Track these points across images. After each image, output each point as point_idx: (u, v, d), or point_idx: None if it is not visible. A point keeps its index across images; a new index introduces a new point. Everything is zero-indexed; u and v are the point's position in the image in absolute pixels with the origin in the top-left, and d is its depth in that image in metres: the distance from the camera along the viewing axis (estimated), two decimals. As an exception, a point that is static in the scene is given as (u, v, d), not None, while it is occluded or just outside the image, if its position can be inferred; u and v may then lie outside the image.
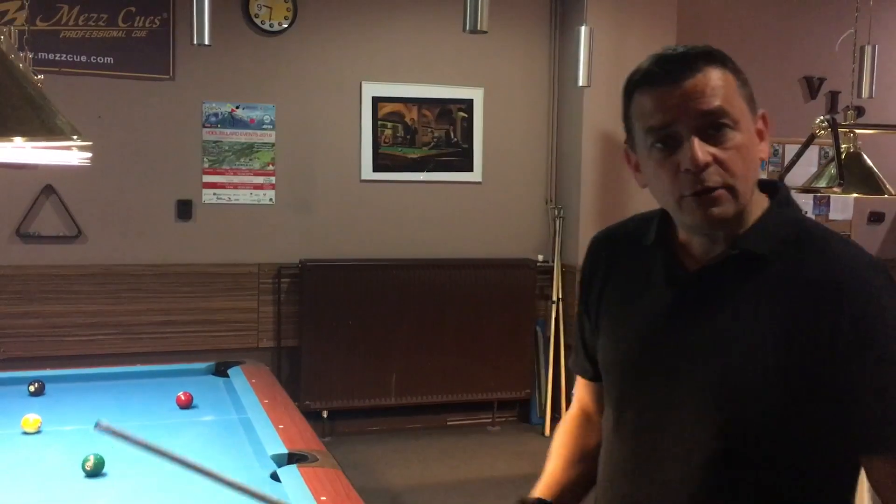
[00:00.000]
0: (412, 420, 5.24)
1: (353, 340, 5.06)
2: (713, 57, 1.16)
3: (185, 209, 4.95)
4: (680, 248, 1.23)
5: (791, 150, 5.86)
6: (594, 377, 1.39)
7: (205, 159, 4.98)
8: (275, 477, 2.08)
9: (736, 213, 1.15)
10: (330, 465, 2.15)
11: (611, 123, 5.30)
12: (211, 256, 5.01)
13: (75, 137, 1.30)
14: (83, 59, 4.63)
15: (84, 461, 2.09)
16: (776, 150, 6.13)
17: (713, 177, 1.12)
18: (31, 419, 2.43)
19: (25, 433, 2.41)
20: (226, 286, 5.04)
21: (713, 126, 1.12)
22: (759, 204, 1.20)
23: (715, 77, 1.14)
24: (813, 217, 6.19)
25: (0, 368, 3.46)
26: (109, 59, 4.69)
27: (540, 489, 1.39)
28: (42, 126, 1.26)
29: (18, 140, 1.25)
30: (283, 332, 5.11)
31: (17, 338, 4.63)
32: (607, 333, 1.31)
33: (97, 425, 1.10)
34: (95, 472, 2.09)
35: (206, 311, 5.01)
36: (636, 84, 1.17)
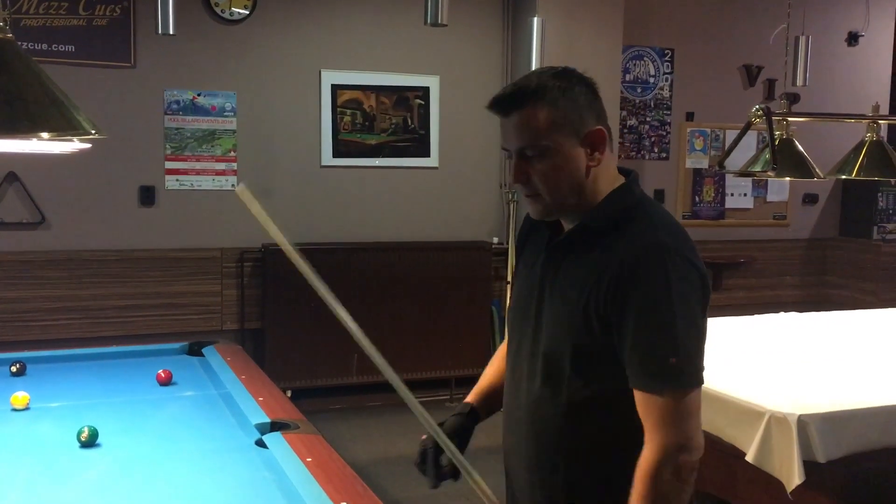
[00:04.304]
0: (373, 398, 5.41)
1: (315, 322, 5.19)
2: (538, 95, 1.48)
3: (147, 195, 5.03)
4: (559, 222, 1.60)
5: (731, 135, 6.17)
6: None
7: (167, 146, 5.06)
8: (261, 443, 2.25)
9: (546, 213, 1.55)
10: (311, 431, 2.32)
11: (562, 110, 5.52)
12: (174, 241, 5.10)
13: (94, 132, 1.44)
14: (44, 47, 4.66)
15: (79, 433, 2.22)
16: (717, 135, 6.43)
17: (524, 189, 1.53)
18: (20, 396, 2.54)
19: (14, 410, 2.53)
20: (189, 270, 5.14)
21: (528, 151, 1.49)
22: (610, 188, 1.55)
23: (531, 115, 1.48)
24: (752, 198, 6.53)
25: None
26: (71, 48, 4.74)
27: (470, 396, 1.77)
28: (65, 122, 1.41)
29: (44, 134, 1.40)
30: (246, 314, 5.23)
31: (-18, 323, 4.68)
32: (516, 282, 1.71)
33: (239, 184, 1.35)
34: (90, 442, 2.22)
35: (170, 295, 5.11)
36: (489, 107, 1.53)
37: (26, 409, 2.54)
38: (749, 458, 2.71)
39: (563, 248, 1.55)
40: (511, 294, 1.76)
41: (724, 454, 2.92)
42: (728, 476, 3.06)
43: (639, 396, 1.43)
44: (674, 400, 1.40)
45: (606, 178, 1.54)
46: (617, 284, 1.43)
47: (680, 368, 1.41)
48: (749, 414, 2.74)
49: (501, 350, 1.79)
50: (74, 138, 1.62)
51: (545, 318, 1.54)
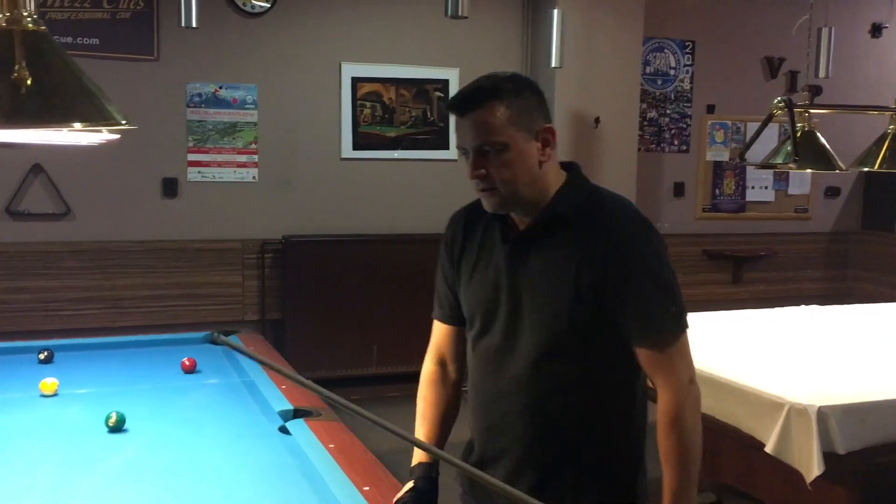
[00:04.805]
0: (392, 388, 5.44)
1: (334, 312, 5.24)
2: (494, 95, 1.59)
3: (170, 187, 5.09)
4: (508, 217, 1.69)
5: (752, 128, 6.14)
6: (453, 322, 1.81)
7: (189, 138, 5.11)
8: (284, 430, 2.28)
9: (502, 205, 1.64)
10: (333, 419, 2.36)
11: (582, 104, 5.52)
12: (196, 233, 5.16)
13: (125, 122, 1.47)
14: (69, 40, 4.72)
15: (107, 418, 2.27)
16: (738, 128, 6.40)
17: (482, 183, 1.62)
18: (49, 382, 2.60)
19: (44, 396, 2.58)
20: (211, 261, 5.20)
21: (486, 148, 1.59)
22: (558, 180, 1.68)
23: (490, 113, 1.58)
24: (773, 191, 6.50)
25: (1, 340, 3.60)
26: (95, 41, 4.80)
27: (420, 455, 1.74)
28: (97, 113, 1.43)
29: (77, 125, 1.43)
30: (267, 305, 5.29)
31: (10, 312, 4.76)
32: (468, 283, 1.74)
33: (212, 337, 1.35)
34: (117, 427, 2.27)
35: (191, 286, 5.17)
36: (447, 108, 1.70)
37: (55, 395, 2.60)
38: (768, 449, 2.71)
39: (528, 238, 1.66)
40: (462, 290, 1.75)
41: (744, 445, 2.93)
42: (747, 467, 3.07)
43: (646, 352, 1.60)
44: (679, 341, 1.62)
45: (554, 171, 1.68)
46: (612, 258, 1.58)
47: (679, 315, 1.62)
48: (769, 405, 2.75)
49: (430, 389, 1.81)
50: (105, 128, 1.65)
51: (526, 303, 1.64)
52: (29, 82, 1.33)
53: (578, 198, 1.66)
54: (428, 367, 1.84)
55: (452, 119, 1.66)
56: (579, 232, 1.62)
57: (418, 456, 1.74)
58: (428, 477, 1.72)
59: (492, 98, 1.59)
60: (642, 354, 1.61)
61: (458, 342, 1.81)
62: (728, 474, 3.34)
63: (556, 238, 1.64)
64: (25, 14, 1.41)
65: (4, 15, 1.40)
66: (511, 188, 1.61)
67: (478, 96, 1.60)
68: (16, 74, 1.33)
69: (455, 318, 1.81)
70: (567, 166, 1.73)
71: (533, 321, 1.63)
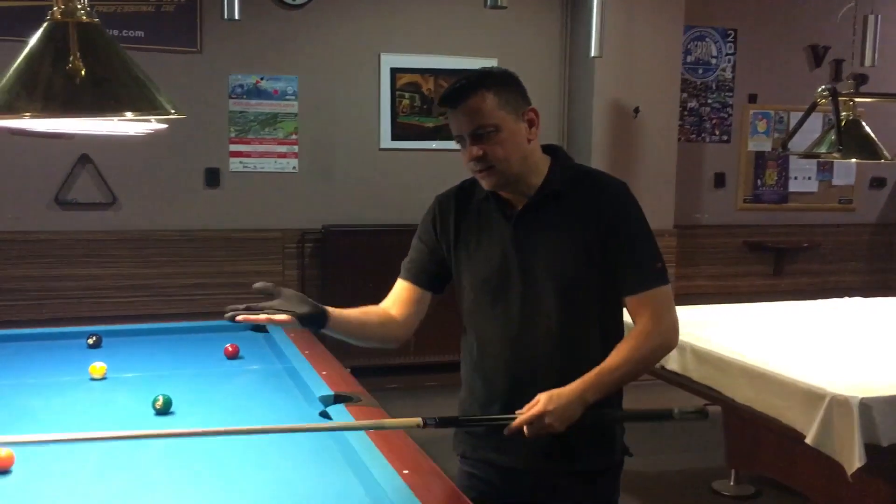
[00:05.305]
0: (429, 378, 5.49)
1: (373, 302, 5.27)
2: (482, 83, 1.80)
3: (213, 177, 5.17)
4: (501, 198, 1.92)
5: (796, 118, 6.04)
6: (423, 285, 2.04)
7: (231, 129, 5.19)
8: (324, 415, 2.32)
9: (499, 182, 1.85)
10: (373, 404, 2.39)
11: (621, 94, 5.48)
12: (238, 222, 5.24)
13: (174, 112, 1.52)
14: (115, 33, 4.82)
15: (154, 401, 2.33)
16: (781, 118, 6.31)
17: (481, 164, 1.83)
18: (98, 366, 2.67)
19: (93, 379, 2.65)
20: (252, 251, 5.28)
21: (480, 131, 1.80)
22: (544, 162, 1.91)
23: (479, 101, 1.79)
24: (816, 182, 6.41)
25: (52, 325, 3.70)
26: (140, 33, 4.90)
27: (329, 307, 1.95)
28: (148, 102, 1.48)
29: (129, 114, 1.48)
30: (306, 294, 5.31)
31: (58, 299, 4.90)
32: (470, 260, 1.95)
33: None
34: (164, 410, 2.32)
35: (233, 275, 5.25)
36: (440, 103, 1.89)
37: (104, 378, 2.66)
38: (809, 440, 2.69)
39: (530, 213, 1.89)
40: (465, 263, 1.96)
41: (783, 437, 2.91)
42: (787, 459, 3.05)
43: (637, 298, 1.86)
44: (663, 293, 1.88)
45: (538, 150, 1.91)
46: (608, 222, 1.84)
47: (662, 269, 1.89)
48: (810, 396, 2.72)
49: (375, 307, 2.08)
50: (154, 118, 1.70)
51: (539, 271, 1.87)
52: (83, 73, 1.38)
53: (568, 174, 1.91)
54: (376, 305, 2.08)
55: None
56: (575, 203, 1.87)
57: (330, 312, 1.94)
58: (309, 308, 1.90)
59: (480, 88, 1.80)
60: (632, 302, 1.87)
61: (414, 301, 2.04)
62: (767, 466, 3.32)
63: (555, 211, 1.87)
64: (79, 7, 1.46)
65: (59, 8, 1.46)
66: (506, 165, 1.82)
67: (468, 88, 1.80)
68: (70, 65, 1.38)
69: (421, 280, 2.04)
70: (551, 149, 1.96)
71: (549, 286, 1.86)
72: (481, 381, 1.98)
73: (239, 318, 1.83)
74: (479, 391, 1.99)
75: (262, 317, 1.84)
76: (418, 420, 1.83)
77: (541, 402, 1.78)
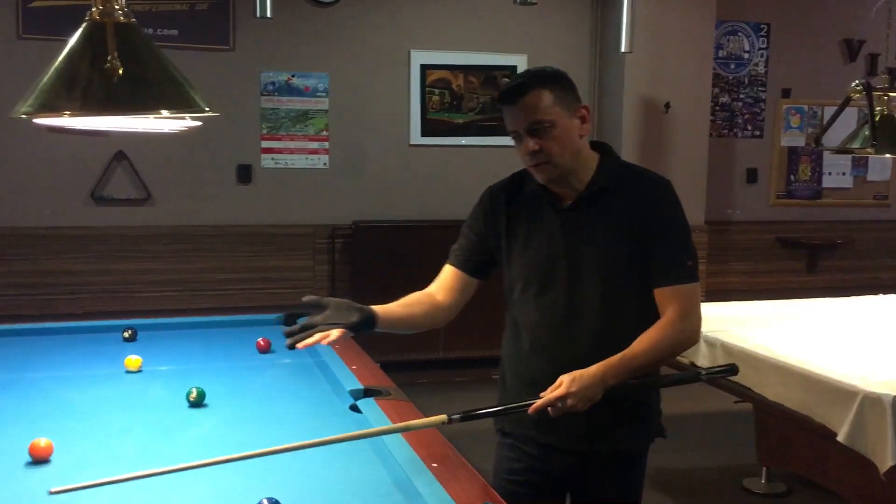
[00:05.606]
0: (459, 373, 5.51)
1: (402, 297, 5.31)
2: (539, 81, 1.90)
3: (244, 173, 5.24)
4: (551, 192, 2.01)
5: (830, 113, 5.96)
6: (471, 272, 2.13)
7: (263, 126, 5.25)
8: (354, 408, 2.35)
9: (556, 175, 1.94)
10: (402, 398, 2.41)
11: (651, 89, 5.45)
12: (269, 218, 5.30)
13: (208, 110, 1.55)
14: (149, 31, 4.89)
15: (188, 393, 2.37)
16: (815, 112, 6.23)
17: (537, 157, 1.92)
18: (134, 359, 2.72)
19: (129, 372, 2.71)
20: (283, 246, 5.34)
21: (535, 128, 1.90)
22: (593, 158, 2.00)
23: (536, 98, 1.89)
24: (850, 178, 6.32)
25: (88, 319, 3.78)
26: (174, 32, 4.96)
27: (375, 307, 2.02)
28: (183, 100, 1.51)
29: (165, 112, 1.51)
30: (336, 289, 5.40)
31: (95, 294, 4.99)
32: (523, 251, 2.04)
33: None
34: (198, 402, 2.36)
35: (264, 270, 5.32)
36: (497, 100, 1.98)
37: (139, 371, 2.72)
38: (841, 438, 2.67)
39: (579, 208, 1.97)
40: (516, 253, 2.04)
41: (815, 434, 2.89)
42: (818, 457, 3.03)
43: (666, 291, 1.93)
44: (691, 289, 1.95)
45: (587, 147, 2.00)
46: (649, 217, 1.93)
47: (693, 267, 1.97)
48: (842, 394, 2.70)
49: (419, 294, 2.14)
50: (189, 116, 1.74)
51: (586, 262, 1.96)
52: (120, 72, 1.42)
53: (616, 172, 2.00)
54: (421, 292, 2.14)
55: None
56: (621, 199, 1.95)
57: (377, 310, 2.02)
58: (356, 312, 1.98)
59: (537, 85, 1.89)
60: (660, 294, 1.94)
61: (460, 287, 2.13)
62: (799, 463, 3.30)
63: (603, 206, 1.96)
64: (117, 7, 1.49)
65: (98, 8, 1.49)
66: (560, 160, 1.91)
67: (526, 85, 1.90)
68: (108, 65, 1.42)
69: (468, 267, 2.13)
70: (599, 146, 2.04)
71: (594, 278, 1.95)
72: (525, 365, 2.06)
73: (300, 346, 1.90)
74: (522, 375, 2.07)
75: (318, 337, 1.90)
76: (443, 417, 1.88)
77: (563, 383, 1.85)
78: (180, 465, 1.77)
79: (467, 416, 1.92)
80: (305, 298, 1.96)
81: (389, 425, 2.02)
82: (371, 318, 2.01)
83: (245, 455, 1.81)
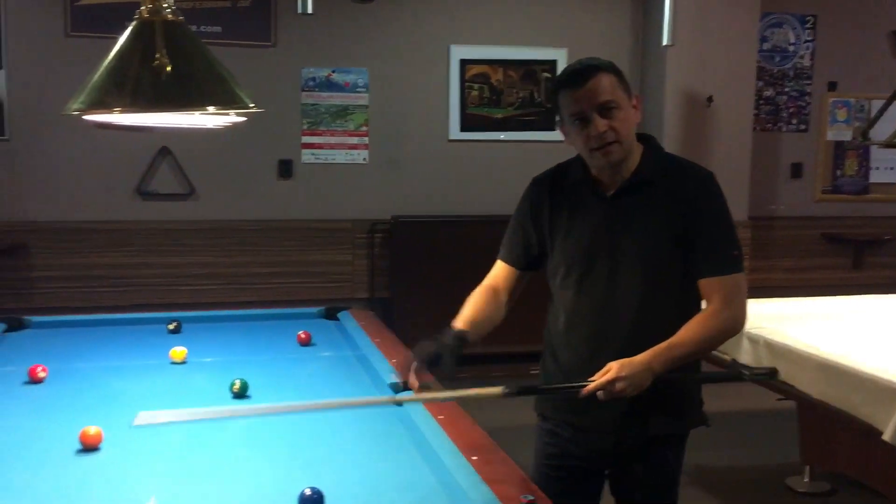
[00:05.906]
0: (497, 368, 5.50)
1: (441, 291, 5.31)
2: (602, 68, 1.95)
3: (286, 168, 5.29)
4: (595, 181, 2.04)
5: (878, 106, 5.84)
6: (517, 265, 2.17)
7: (304, 121, 5.30)
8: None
9: (622, 156, 1.97)
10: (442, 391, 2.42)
11: (694, 82, 5.39)
12: (309, 212, 5.35)
13: (253, 106, 1.57)
14: (193, 28, 4.94)
15: (231, 384, 2.41)
16: (862, 106, 6.11)
17: (608, 136, 1.93)
18: (179, 351, 2.78)
19: (174, 363, 2.76)
20: (323, 240, 5.39)
21: (605, 108, 1.92)
22: (638, 149, 2.03)
23: (604, 80, 1.94)
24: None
25: (133, 312, 3.86)
26: (217, 29, 5.03)
27: (459, 323, 2.06)
28: (229, 97, 1.54)
29: (211, 109, 1.54)
30: (375, 283, 5.44)
31: (139, 286, 5.09)
32: (565, 238, 2.07)
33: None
34: (241, 393, 2.41)
35: (304, 264, 5.37)
36: (559, 86, 2.00)
37: (184, 362, 2.77)
38: (886, 437, 2.62)
39: (623, 197, 2.00)
40: (559, 240, 2.08)
41: (860, 433, 2.84)
42: (863, 456, 2.98)
43: (711, 281, 1.95)
44: (736, 280, 1.97)
45: (635, 136, 2.03)
46: (693, 208, 1.96)
47: (738, 257, 1.99)
48: (887, 392, 2.65)
49: (482, 290, 2.16)
50: (232, 112, 1.77)
51: (627, 250, 1.98)
52: (168, 69, 1.45)
53: (660, 163, 2.03)
54: (480, 287, 2.17)
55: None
56: (664, 190, 1.98)
57: (457, 323, 2.05)
58: (455, 346, 2.00)
59: (601, 70, 1.94)
60: (705, 285, 1.96)
61: (513, 280, 2.17)
62: (843, 463, 3.25)
63: (646, 196, 1.99)
64: (165, 6, 1.52)
65: (146, 7, 1.52)
66: (625, 142, 1.96)
67: (591, 69, 1.94)
68: (157, 62, 1.45)
69: (520, 262, 2.17)
70: (643, 137, 2.06)
71: (636, 266, 1.98)
72: (566, 350, 2.10)
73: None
74: (563, 359, 2.11)
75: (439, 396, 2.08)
76: (499, 389, 1.95)
77: (613, 369, 1.88)
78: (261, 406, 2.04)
79: (523, 391, 1.98)
80: (420, 385, 2.03)
81: (446, 392, 2.08)
82: (462, 346, 2.05)
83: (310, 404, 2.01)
